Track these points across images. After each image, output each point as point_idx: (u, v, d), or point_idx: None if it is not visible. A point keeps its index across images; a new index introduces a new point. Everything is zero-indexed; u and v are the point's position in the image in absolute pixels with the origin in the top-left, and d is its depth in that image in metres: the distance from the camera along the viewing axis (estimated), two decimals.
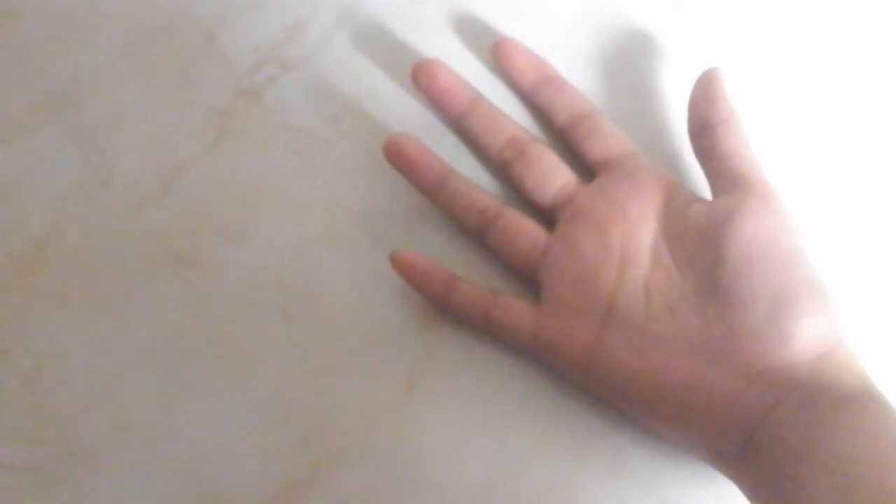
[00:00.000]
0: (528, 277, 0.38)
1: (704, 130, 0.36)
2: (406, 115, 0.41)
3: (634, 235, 0.36)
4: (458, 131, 0.40)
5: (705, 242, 0.34)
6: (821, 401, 0.31)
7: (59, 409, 0.38)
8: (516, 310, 0.36)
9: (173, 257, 0.39)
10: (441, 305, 0.37)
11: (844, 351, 0.33)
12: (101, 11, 0.42)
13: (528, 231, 0.37)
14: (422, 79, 0.38)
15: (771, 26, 0.41)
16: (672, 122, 0.40)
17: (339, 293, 0.39)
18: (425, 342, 0.38)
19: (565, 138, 0.39)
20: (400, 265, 0.37)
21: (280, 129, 0.41)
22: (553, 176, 0.37)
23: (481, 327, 0.37)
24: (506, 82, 0.41)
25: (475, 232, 0.38)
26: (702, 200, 0.36)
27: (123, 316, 0.39)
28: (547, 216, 0.38)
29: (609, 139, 0.38)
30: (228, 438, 0.37)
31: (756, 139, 0.36)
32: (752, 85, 0.41)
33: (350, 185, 0.40)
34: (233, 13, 0.42)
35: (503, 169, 0.38)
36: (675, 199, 0.36)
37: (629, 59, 0.41)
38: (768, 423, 0.32)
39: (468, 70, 0.40)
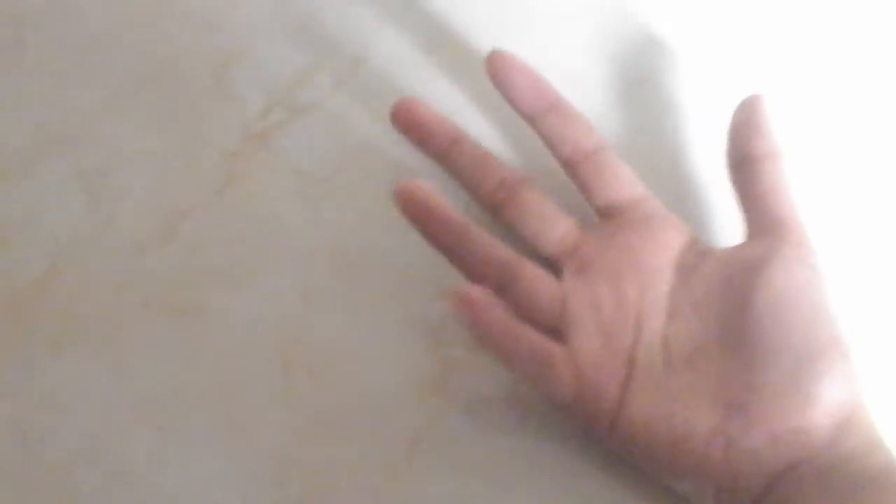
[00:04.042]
0: (552, 333, 0.36)
1: (746, 163, 0.35)
2: (418, 165, 0.40)
3: (650, 286, 0.35)
4: (447, 171, 0.38)
5: (731, 289, 0.33)
6: (839, 478, 0.30)
7: (48, 459, 0.36)
8: (561, 362, 0.34)
9: (173, 305, 0.38)
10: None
11: (864, 417, 0.32)
12: (109, 47, 0.41)
13: (550, 284, 0.36)
14: (400, 119, 0.37)
15: (801, 35, 0.40)
16: (689, 144, 0.40)
17: (343, 348, 0.38)
18: (431, 407, 0.37)
19: (569, 173, 0.37)
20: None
21: (288, 175, 0.40)
22: (552, 224, 0.36)
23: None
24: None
25: (496, 290, 0.35)
26: (722, 249, 0.35)
27: (119, 364, 0.37)
28: (549, 264, 0.37)
29: (618, 181, 0.36)
30: (223, 495, 0.36)
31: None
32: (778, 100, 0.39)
33: (357, 237, 0.39)
34: (243, 52, 0.41)
35: (496, 211, 0.37)
36: (692, 247, 0.35)
37: (643, 72, 0.40)
38: (783, 486, 0.31)
39: (481, 122, 0.39)
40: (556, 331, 0.35)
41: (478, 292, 0.34)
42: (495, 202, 0.37)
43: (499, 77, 0.37)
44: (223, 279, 0.38)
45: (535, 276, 0.36)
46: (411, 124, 0.37)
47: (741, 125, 0.35)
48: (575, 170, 0.37)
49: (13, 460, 0.36)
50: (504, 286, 0.36)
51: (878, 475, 0.30)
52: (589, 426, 0.35)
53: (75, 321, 0.38)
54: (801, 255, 0.33)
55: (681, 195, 0.39)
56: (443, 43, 0.41)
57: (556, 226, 0.36)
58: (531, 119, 0.37)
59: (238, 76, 0.41)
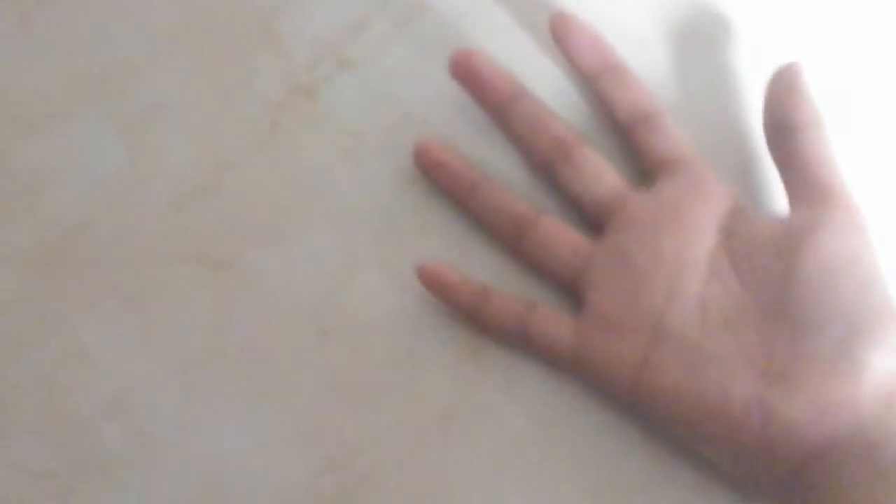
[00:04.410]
0: (568, 287, 0.35)
1: (786, 133, 0.33)
2: (467, 125, 0.38)
3: (690, 244, 0.33)
4: (501, 127, 0.37)
5: (777, 256, 0.31)
6: (888, 455, 0.28)
7: (75, 412, 0.35)
8: (555, 323, 0.34)
9: (209, 259, 0.37)
10: (472, 320, 0.35)
11: None
12: None
13: (568, 238, 0.34)
14: (460, 69, 0.36)
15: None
16: (746, 115, 0.37)
17: (380, 313, 0.36)
18: (465, 373, 0.35)
19: (625, 133, 0.36)
20: (427, 278, 0.35)
21: (334, 132, 0.38)
22: (601, 179, 0.35)
23: (517, 343, 0.35)
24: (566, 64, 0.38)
25: (512, 239, 0.35)
26: (770, 216, 0.34)
27: (150, 318, 0.36)
28: (593, 222, 0.35)
29: (672, 141, 0.35)
30: (250, 459, 0.35)
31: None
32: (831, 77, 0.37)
33: (403, 201, 0.37)
34: (290, 3, 0.39)
35: (547, 169, 0.36)
36: (741, 211, 0.34)
37: (698, 41, 0.38)
38: (825, 461, 0.29)
39: (537, 76, 0.37)
40: (575, 286, 0.34)
41: (441, 268, 0.35)
42: (547, 161, 0.35)
43: (562, 36, 0.36)
44: (262, 236, 0.37)
45: (555, 229, 0.35)
46: (471, 76, 0.36)
47: (780, 93, 0.34)
48: (630, 130, 0.36)
49: (39, 411, 0.36)
50: (519, 237, 0.35)
51: None
52: (609, 389, 0.33)
53: (108, 273, 0.37)
54: (852, 220, 0.31)
55: (734, 164, 0.37)
56: None
57: (605, 181, 0.35)
58: (591, 79, 0.36)
59: (287, 26, 0.39)
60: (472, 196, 0.35)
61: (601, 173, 0.35)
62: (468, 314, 0.35)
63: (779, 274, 0.31)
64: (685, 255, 0.33)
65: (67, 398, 0.36)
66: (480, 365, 0.36)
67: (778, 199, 0.37)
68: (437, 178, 0.36)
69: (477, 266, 0.36)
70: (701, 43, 0.38)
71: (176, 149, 0.38)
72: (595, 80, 0.36)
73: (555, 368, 0.35)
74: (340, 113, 0.38)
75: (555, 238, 0.34)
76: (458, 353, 0.36)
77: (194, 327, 0.36)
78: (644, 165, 0.35)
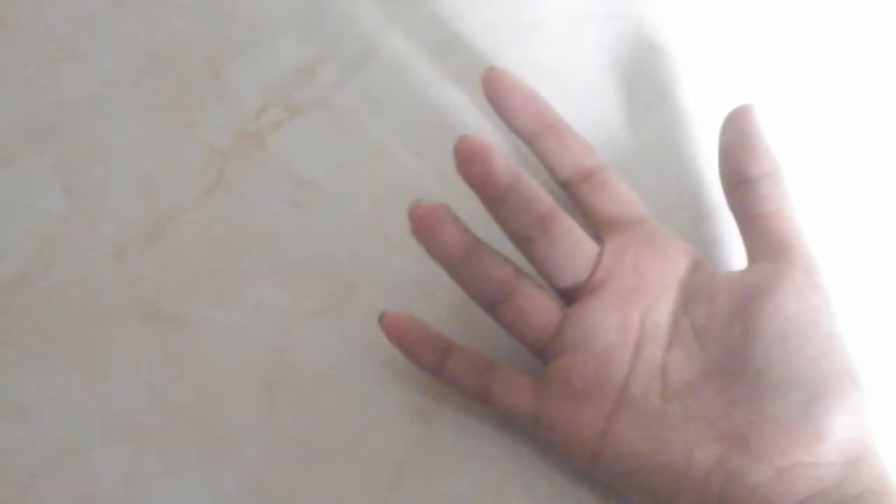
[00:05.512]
0: (536, 353, 0.34)
1: (744, 185, 0.33)
2: (420, 174, 0.37)
3: (654, 309, 0.33)
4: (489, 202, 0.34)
5: (736, 317, 0.31)
6: None
7: (16, 473, 0.35)
8: (517, 385, 0.33)
9: (154, 313, 0.36)
10: (432, 374, 0.34)
11: (876, 460, 0.30)
12: (99, 32, 0.39)
13: (545, 307, 0.33)
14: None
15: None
16: (700, 165, 0.38)
17: (329, 370, 0.36)
18: (417, 434, 0.35)
19: (569, 194, 0.36)
20: (390, 329, 0.34)
21: (282, 180, 0.37)
22: (577, 254, 0.33)
23: (477, 400, 0.34)
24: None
25: (487, 305, 0.34)
26: (728, 272, 0.33)
27: (96, 373, 0.35)
28: (566, 294, 0.34)
29: (618, 199, 0.34)
30: None
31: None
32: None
33: (351, 250, 0.37)
34: (242, 47, 0.39)
35: (523, 244, 0.34)
36: (699, 268, 0.33)
37: (649, 90, 0.38)
38: None
39: (486, 128, 0.37)
40: (544, 353, 0.34)
41: (405, 319, 0.34)
42: (527, 236, 0.33)
43: (494, 94, 0.35)
44: (208, 288, 0.36)
45: (533, 297, 0.33)
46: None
47: (734, 144, 0.33)
48: (574, 190, 0.35)
49: None
50: (498, 304, 0.34)
51: None
52: (568, 455, 0.33)
53: (49, 325, 0.36)
54: (811, 280, 0.31)
55: (689, 217, 0.37)
56: (451, 44, 0.39)
57: (580, 255, 0.33)
58: (527, 139, 0.36)
59: (234, 71, 0.38)
60: (464, 264, 0.33)
61: (578, 246, 0.33)
62: (428, 370, 0.34)
63: (738, 336, 0.31)
64: (648, 322, 0.32)
65: (4, 456, 0.35)
66: (433, 425, 0.35)
67: (735, 252, 0.37)
68: (434, 243, 0.33)
69: (425, 313, 0.36)
70: (651, 92, 0.38)
71: (118, 196, 0.37)
72: (532, 140, 0.35)
73: (512, 430, 0.35)
74: (288, 160, 0.38)
75: (533, 307, 0.33)
76: (410, 413, 0.35)
77: (139, 382, 0.35)
78: (593, 226, 0.35)
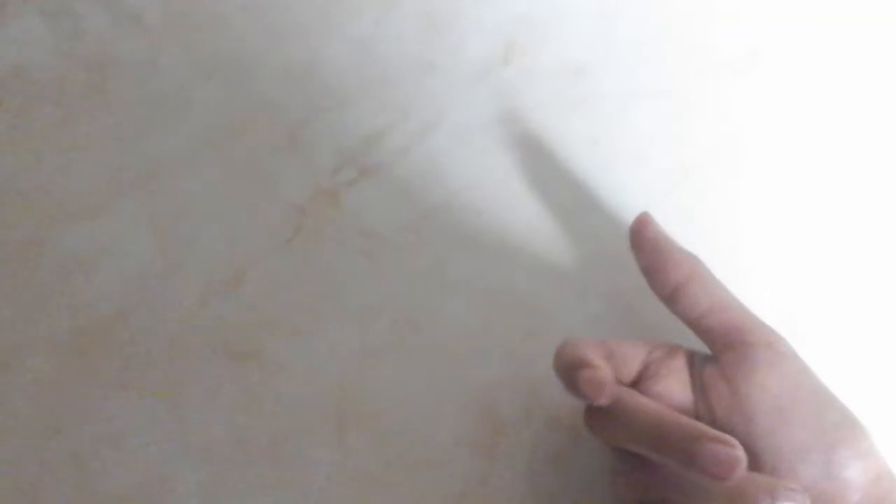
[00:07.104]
0: None
1: (675, 294, 0.35)
2: (480, 230, 0.41)
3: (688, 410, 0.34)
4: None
5: (732, 409, 0.33)
6: None
7: (104, 493, 0.37)
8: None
9: (234, 351, 0.39)
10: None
11: (889, 477, 0.32)
12: (189, 99, 0.43)
13: None
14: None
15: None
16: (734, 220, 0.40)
17: (396, 407, 0.38)
18: (478, 467, 0.38)
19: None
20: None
21: (355, 233, 0.41)
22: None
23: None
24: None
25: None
26: (708, 368, 0.34)
27: (179, 406, 0.38)
28: None
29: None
30: None
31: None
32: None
33: (418, 297, 0.40)
34: (317, 114, 0.42)
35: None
36: (696, 357, 0.35)
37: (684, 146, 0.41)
38: None
39: (533, 202, 0.41)
40: None
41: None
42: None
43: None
44: (284, 329, 0.39)
45: None
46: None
47: (651, 261, 0.35)
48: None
49: (69, 492, 0.37)
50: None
51: None
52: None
53: (138, 361, 0.39)
54: (776, 350, 0.33)
55: (722, 277, 0.40)
56: (510, 117, 0.43)
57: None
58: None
59: (312, 134, 0.42)
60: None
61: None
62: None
63: (741, 424, 0.32)
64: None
65: (95, 479, 0.37)
66: (494, 459, 0.38)
67: (768, 309, 0.38)
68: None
69: (488, 355, 0.39)
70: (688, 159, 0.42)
71: (204, 245, 0.41)
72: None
73: (569, 468, 0.37)
74: (361, 216, 0.41)
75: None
76: (471, 448, 0.38)
77: (219, 414, 0.38)
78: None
